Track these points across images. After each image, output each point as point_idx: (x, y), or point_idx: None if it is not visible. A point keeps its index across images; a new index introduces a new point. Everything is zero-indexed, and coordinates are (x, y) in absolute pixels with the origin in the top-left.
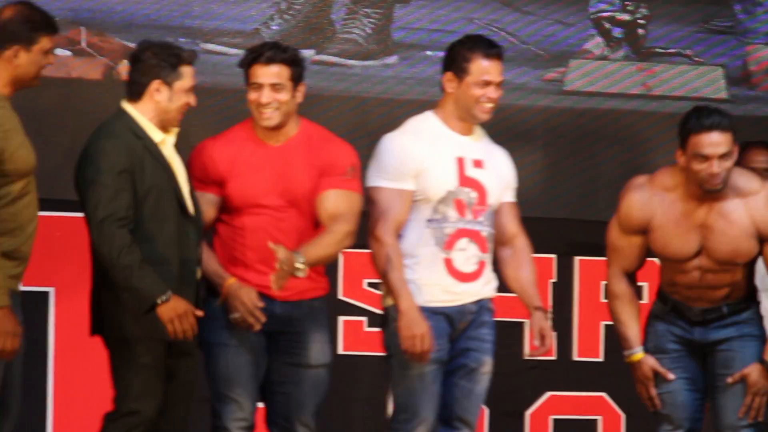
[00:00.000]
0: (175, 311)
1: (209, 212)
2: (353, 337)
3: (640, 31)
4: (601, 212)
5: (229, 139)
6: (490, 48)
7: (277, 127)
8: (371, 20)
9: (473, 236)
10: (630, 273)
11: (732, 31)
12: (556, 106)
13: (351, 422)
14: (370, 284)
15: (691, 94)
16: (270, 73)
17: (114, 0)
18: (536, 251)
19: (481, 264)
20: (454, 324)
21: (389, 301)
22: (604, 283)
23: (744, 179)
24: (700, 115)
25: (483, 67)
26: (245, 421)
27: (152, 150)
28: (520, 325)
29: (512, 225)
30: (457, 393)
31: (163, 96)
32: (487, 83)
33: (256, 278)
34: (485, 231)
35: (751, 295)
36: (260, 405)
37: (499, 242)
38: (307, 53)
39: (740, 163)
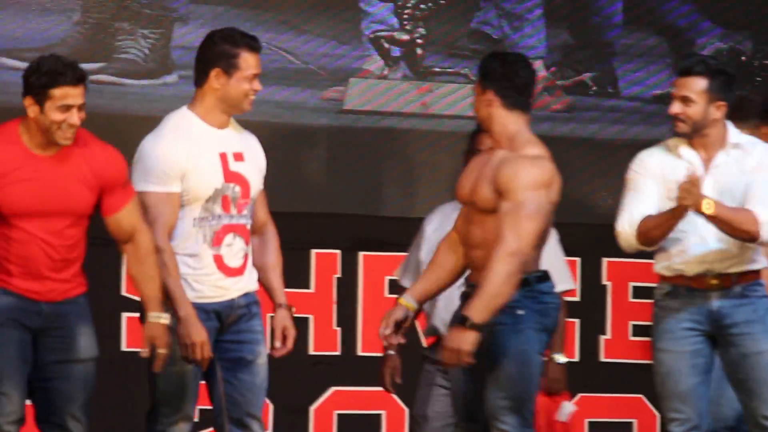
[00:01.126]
0: None
1: None
2: (137, 334)
3: (419, 51)
4: (385, 208)
5: None
6: (253, 41)
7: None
8: (149, 40)
9: (239, 230)
10: None
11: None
12: (335, 124)
13: (135, 418)
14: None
15: (469, 113)
16: (79, 94)
17: None
18: (321, 247)
19: (246, 257)
20: (222, 319)
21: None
22: (388, 278)
23: None
24: None
25: (250, 61)
26: (15, 414)
27: None
28: (305, 320)
29: (262, 213)
30: (241, 388)
31: None
32: (255, 76)
33: (23, 284)
34: (248, 223)
35: None
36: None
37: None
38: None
39: (472, 146)
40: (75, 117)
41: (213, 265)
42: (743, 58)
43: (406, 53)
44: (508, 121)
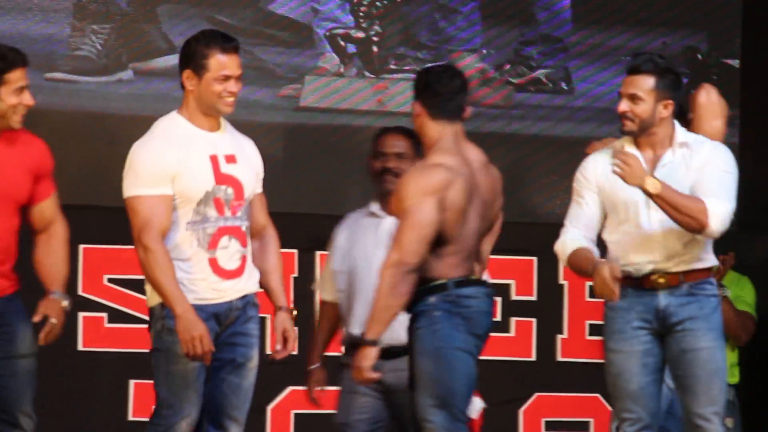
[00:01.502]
0: None
1: None
2: (93, 333)
3: (375, 49)
4: (342, 206)
5: None
6: (226, 42)
7: None
8: (100, 36)
9: (234, 232)
10: None
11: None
12: (291, 122)
13: (91, 418)
14: (111, 280)
15: None
16: (26, 76)
17: None
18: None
19: (243, 259)
20: (220, 321)
21: (153, 302)
22: None
23: None
24: None
25: (221, 62)
26: None
27: None
28: (262, 320)
29: (261, 216)
30: (225, 389)
31: None
32: (227, 77)
33: None
34: (244, 225)
35: None
36: None
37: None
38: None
39: (375, 149)
40: (29, 98)
41: (208, 268)
42: (699, 56)
43: (362, 50)
44: (433, 131)
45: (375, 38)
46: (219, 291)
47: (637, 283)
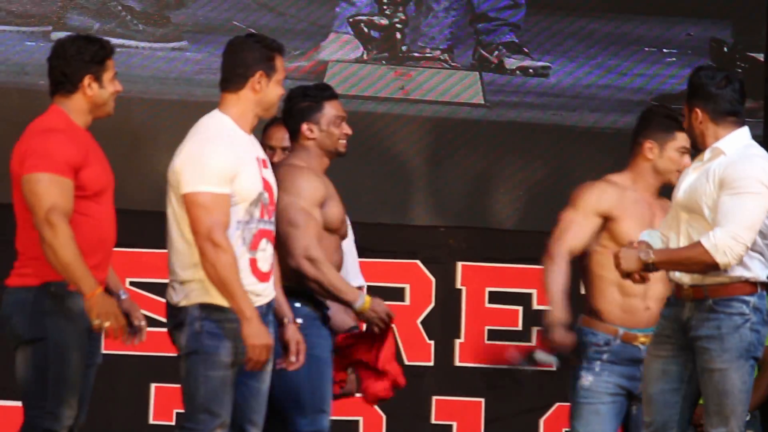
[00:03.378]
0: None
1: None
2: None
3: (398, 36)
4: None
5: None
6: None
7: None
8: None
9: (269, 236)
10: None
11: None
12: None
13: (111, 422)
14: (132, 283)
15: (448, 99)
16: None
17: None
18: None
19: (272, 264)
20: None
21: (188, 301)
22: None
23: None
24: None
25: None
26: None
27: None
28: None
29: None
30: (246, 393)
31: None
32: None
33: None
34: (275, 229)
35: None
36: None
37: None
38: None
39: (262, 141)
40: (119, 85)
41: (248, 268)
42: (725, 48)
43: (385, 37)
44: None
45: (398, 24)
46: (256, 295)
47: (675, 292)
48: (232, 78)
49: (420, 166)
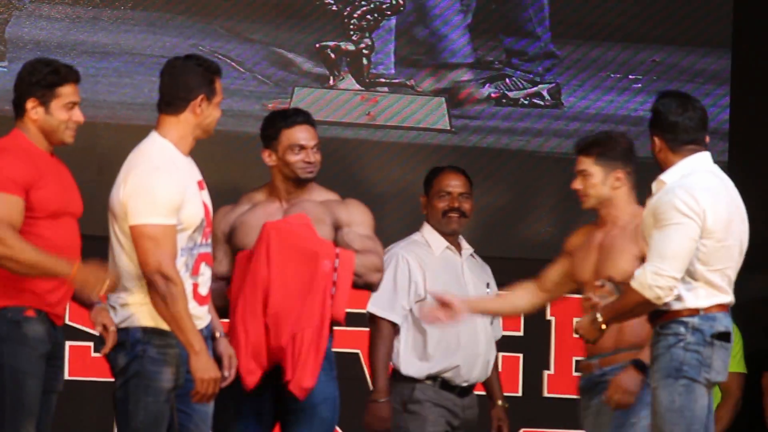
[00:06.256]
0: None
1: None
2: (80, 363)
3: (365, 61)
4: None
5: None
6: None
7: None
8: None
9: (207, 259)
10: None
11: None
12: None
13: None
14: None
15: (414, 124)
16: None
17: None
18: None
19: (209, 286)
20: None
21: (133, 323)
22: None
23: None
24: None
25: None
26: None
27: None
28: None
29: None
30: (195, 418)
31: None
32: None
33: None
34: (211, 252)
35: None
36: None
37: None
38: None
39: (433, 188)
40: (79, 114)
41: (191, 293)
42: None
43: (352, 63)
44: None
45: (365, 51)
46: (197, 317)
47: None
48: (173, 101)
49: (387, 190)
